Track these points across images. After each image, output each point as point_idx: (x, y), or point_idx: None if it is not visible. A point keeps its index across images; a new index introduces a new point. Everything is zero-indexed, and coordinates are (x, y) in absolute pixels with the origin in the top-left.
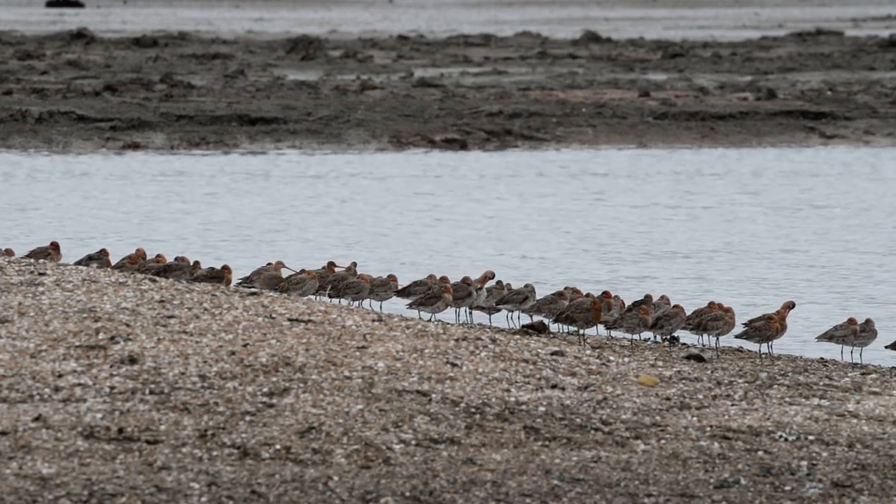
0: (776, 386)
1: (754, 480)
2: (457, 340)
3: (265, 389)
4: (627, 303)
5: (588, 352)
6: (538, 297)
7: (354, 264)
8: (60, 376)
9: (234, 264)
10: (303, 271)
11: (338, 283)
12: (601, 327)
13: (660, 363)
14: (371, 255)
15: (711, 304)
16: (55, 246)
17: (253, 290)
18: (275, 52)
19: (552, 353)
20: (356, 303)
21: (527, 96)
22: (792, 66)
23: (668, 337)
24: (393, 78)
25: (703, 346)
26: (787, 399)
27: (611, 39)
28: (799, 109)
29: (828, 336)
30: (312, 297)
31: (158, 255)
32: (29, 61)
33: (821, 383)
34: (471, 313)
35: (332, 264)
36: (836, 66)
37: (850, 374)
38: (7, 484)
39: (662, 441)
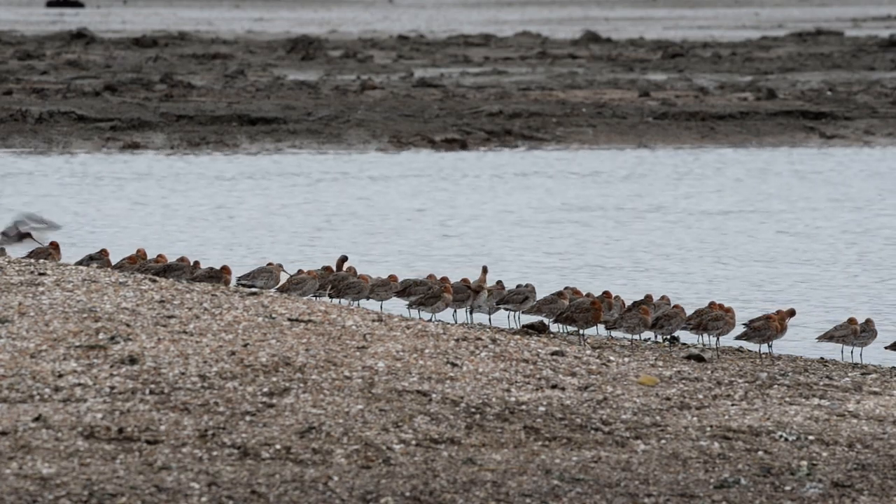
0: (776, 386)
1: (754, 480)
2: (457, 340)
3: (265, 389)
4: (627, 303)
5: (588, 352)
6: (538, 297)
7: (345, 258)
8: (60, 376)
9: (234, 265)
10: (300, 271)
11: (338, 283)
12: (601, 327)
13: (660, 363)
14: (368, 253)
15: (712, 304)
16: (55, 246)
17: (253, 290)
18: (275, 52)
19: (552, 353)
20: (356, 303)
21: (527, 96)
22: (792, 66)
23: (668, 337)
24: (393, 78)
25: (703, 346)
26: (787, 399)
27: (611, 39)
28: (799, 109)
29: (828, 336)
30: (312, 297)
31: (159, 255)
32: (29, 61)
33: (821, 383)
34: (471, 313)
35: (328, 268)
36: (836, 66)
37: (850, 374)
38: (7, 484)
39: (662, 441)
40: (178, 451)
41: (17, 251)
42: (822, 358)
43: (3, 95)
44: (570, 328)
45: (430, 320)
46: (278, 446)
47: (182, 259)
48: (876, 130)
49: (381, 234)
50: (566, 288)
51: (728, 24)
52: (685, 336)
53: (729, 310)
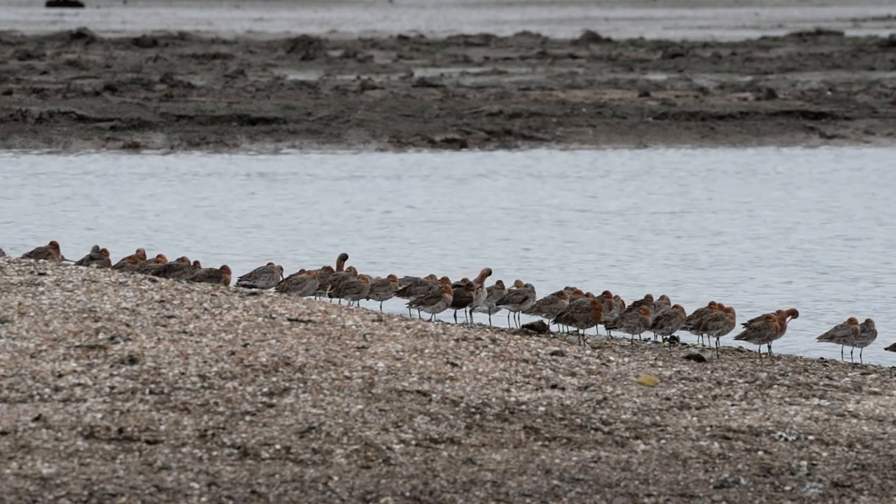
0: (776, 386)
1: (754, 480)
2: (457, 340)
3: (265, 389)
4: (628, 303)
5: (588, 352)
6: (538, 297)
7: (345, 256)
8: (60, 376)
9: (233, 265)
10: (302, 271)
11: (338, 283)
12: (601, 327)
13: (660, 363)
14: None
15: (712, 304)
16: (55, 246)
17: (253, 290)
18: (275, 52)
19: (552, 353)
20: (356, 303)
21: (527, 96)
22: (792, 66)
23: (668, 337)
24: (393, 78)
25: (703, 346)
26: (787, 399)
27: (611, 39)
28: (799, 109)
29: (828, 336)
30: (312, 297)
31: (159, 256)
32: (29, 61)
33: (821, 383)
34: (471, 313)
35: (328, 268)
36: (836, 66)
37: (850, 374)
38: (7, 484)
39: (662, 441)
40: (178, 451)
41: None
42: (822, 358)
43: (3, 95)
44: (570, 328)
45: (430, 320)
46: (278, 446)
47: (182, 259)
48: (876, 130)
49: (380, 233)
50: (566, 288)
51: (728, 24)
52: (685, 336)
53: (729, 310)
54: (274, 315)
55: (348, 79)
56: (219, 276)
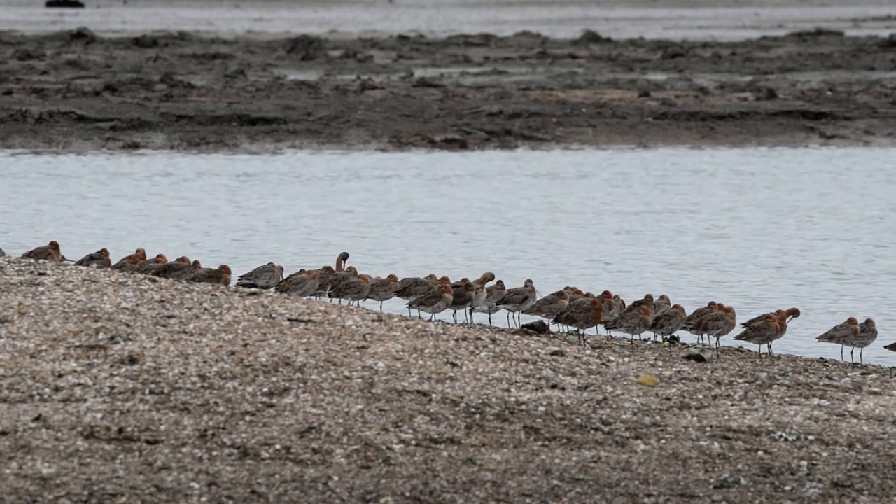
0: (776, 386)
1: (754, 480)
2: (457, 340)
3: (265, 389)
4: (628, 303)
5: (588, 352)
6: (538, 297)
7: (345, 256)
8: (60, 376)
9: (233, 265)
10: (302, 271)
11: (338, 283)
12: (601, 327)
13: (660, 363)
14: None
15: (712, 304)
16: (55, 246)
17: (253, 290)
18: (275, 52)
19: (552, 353)
20: (356, 303)
21: (527, 96)
22: (792, 66)
23: (668, 337)
24: (393, 78)
25: (703, 346)
26: (787, 399)
27: (611, 39)
28: (799, 109)
29: (828, 336)
30: (312, 297)
31: (159, 256)
32: (29, 61)
33: (821, 383)
34: (471, 313)
35: (329, 268)
36: (836, 66)
37: (850, 374)
38: (7, 484)
39: (662, 441)
40: (178, 451)
41: None
42: (822, 358)
43: (3, 95)
44: (570, 328)
45: (430, 320)
46: (278, 446)
47: (182, 259)
48: (876, 130)
49: (379, 233)
50: (566, 288)
51: (728, 24)
52: (685, 336)
53: (729, 310)
54: (274, 315)
55: (348, 79)
56: (219, 276)
